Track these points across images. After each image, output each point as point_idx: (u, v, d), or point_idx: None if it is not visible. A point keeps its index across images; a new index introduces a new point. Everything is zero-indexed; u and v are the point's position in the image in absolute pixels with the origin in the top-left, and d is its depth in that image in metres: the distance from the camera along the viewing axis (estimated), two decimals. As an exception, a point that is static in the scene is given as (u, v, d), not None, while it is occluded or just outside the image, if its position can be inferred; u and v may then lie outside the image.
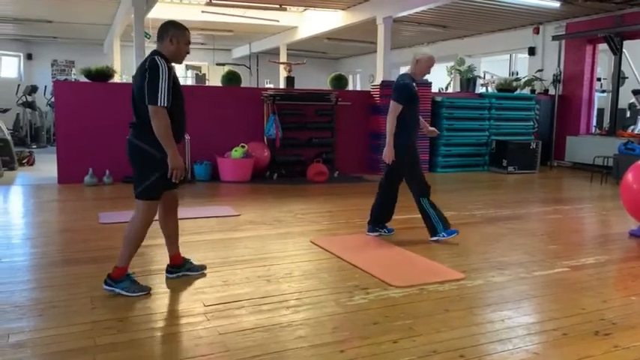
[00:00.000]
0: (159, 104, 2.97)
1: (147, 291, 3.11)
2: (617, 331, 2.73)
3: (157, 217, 3.26)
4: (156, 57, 3.04)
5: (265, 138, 8.18)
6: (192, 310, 2.92)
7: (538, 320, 2.90)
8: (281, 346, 2.50)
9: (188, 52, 3.23)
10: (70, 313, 2.84)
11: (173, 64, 3.18)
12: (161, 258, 3.70)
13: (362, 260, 3.86)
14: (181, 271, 3.42)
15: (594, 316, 2.91)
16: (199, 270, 3.47)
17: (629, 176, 4.84)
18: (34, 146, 12.00)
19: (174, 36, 3.13)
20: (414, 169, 4.52)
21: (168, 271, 3.41)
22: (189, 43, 3.23)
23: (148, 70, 2.99)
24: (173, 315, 2.85)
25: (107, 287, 3.10)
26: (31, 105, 13.00)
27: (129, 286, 3.09)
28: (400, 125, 4.49)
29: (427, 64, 4.60)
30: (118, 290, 3.06)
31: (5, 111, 12.17)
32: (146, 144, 3.08)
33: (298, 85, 9.51)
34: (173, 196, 3.34)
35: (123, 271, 3.12)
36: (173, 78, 3.08)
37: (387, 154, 4.46)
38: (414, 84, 4.55)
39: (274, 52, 13.98)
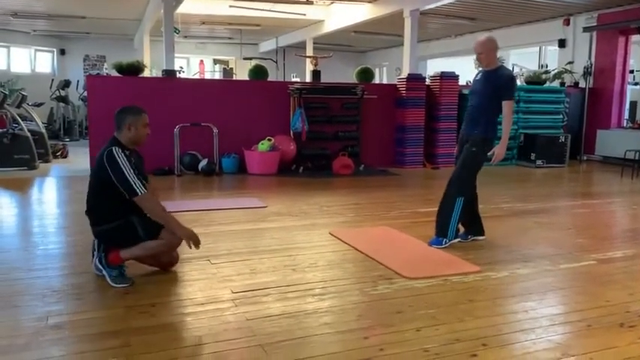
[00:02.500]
0: (139, 193, 3.06)
1: (129, 283, 3.10)
2: (643, 323, 2.72)
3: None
4: (112, 149, 3.10)
5: (291, 131, 8.26)
6: (220, 297, 3.01)
7: (562, 312, 2.90)
8: (306, 332, 2.57)
9: (148, 133, 3.28)
10: (105, 298, 2.97)
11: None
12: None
13: (379, 252, 3.90)
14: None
15: (619, 309, 2.91)
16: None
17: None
18: (67, 139, 12.32)
19: (132, 122, 3.19)
20: (476, 167, 4.15)
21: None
22: (146, 125, 3.26)
23: (109, 167, 3.05)
24: (202, 301, 2.95)
25: (97, 267, 3.14)
26: (64, 99, 13.34)
27: (117, 275, 3.11)
28: (493, 119, 4.07)
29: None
30: (105, 274, 3.10)
31: (40, 105, 12.50)
32: (105, 224, 3.19)
33: (324, 78, 9.55)
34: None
35: (120, 261, 3.17)
36: (135, 163, 3.16)
37: (502, 153, 4.03)
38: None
39: (301, 46, 14.04)
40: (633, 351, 2.41)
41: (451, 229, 4.08)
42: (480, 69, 4.31)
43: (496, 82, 4.02)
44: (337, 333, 2.57)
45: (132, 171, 3.07)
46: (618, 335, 2.58)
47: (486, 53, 4.06)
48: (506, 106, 3.99)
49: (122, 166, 3.05)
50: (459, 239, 4.16)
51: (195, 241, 3.19)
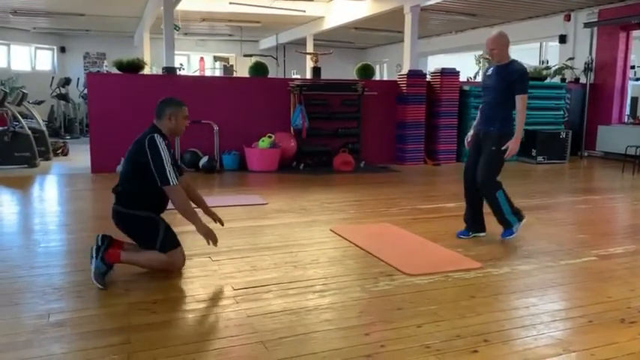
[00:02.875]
0: (172, 183, 3.11)
1: (103, 287, 3.02)
2: (644, 319, 2.72)
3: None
4: (155, 135, 3.15)
5: (292, 128, 8.25)
6: (221, 294, 3.01)
7: (563, 308, 2.90)
8: (307, 328, 2.57)
9: (187, 125, 3.34)
10: (106, 295, 2.97)
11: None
12: (191, 244, 3.81)
13: (380, 249, 3.90)
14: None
15: (621, 305, 2.90)
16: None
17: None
18: (68, 137, 12.32)
19: (172, 113, 3.24)
20: (500, 164, 4.14)
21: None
22: (186, 117, 3.33)
23: (149, 151, 3.09)
24: (204, 298, 2.95)
25: (92, 255, 3.08)
26: (64, 97, 13.34)
27: (102, 273, 3.05)
28: (509, 115, 4.08)
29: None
30: (92, 266, 3.05)
31: (40, 103, 12.51)
32: (136, 210, 3.19)
33: (325, 75, 9.54)
34: None
35: (117, 260, 3.14)
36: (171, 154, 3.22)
37: (515, 148, 4.01)
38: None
39: (301, 43, 14.02)
40: (634, 347, 2.41)
41: (510, 217, 4.13)
42: (491, 65, 4.26)
43: (509, 77, 4.01)
44: (338, 329, 2.57)
45: (169, 160, 3.12)
46: (619, 331, 2.58)
47: (499, 49, 4.04)
48: (520, 100, 3.97)
49: (162, 153, 3.10)
50: (521, 222, 4.18)
51: (213, 239, 3.27)
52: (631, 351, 2.37)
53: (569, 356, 2.32)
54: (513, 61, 4.09)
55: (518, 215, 4.20)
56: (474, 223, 4.30)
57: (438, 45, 14.85)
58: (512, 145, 3.98)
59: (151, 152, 3.09)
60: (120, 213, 3.24)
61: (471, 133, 4.33)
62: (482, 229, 4.31)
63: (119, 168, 7.34)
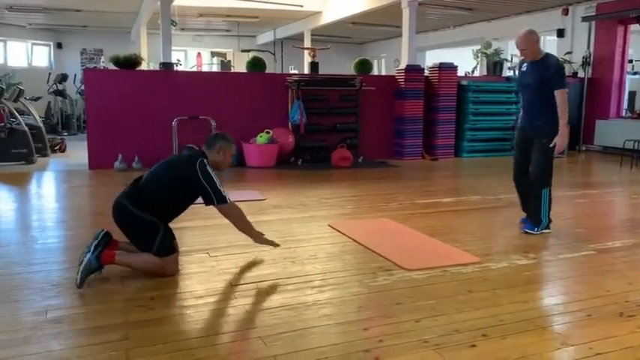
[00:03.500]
0: (228, 201, 3.27)
1: (78, 286, 2.97)
2: (642, 312, 2.72)
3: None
4: (205, 160, 3.24)
5: (290, 124, 8.23)
6: (220, 290, 3.01)
7: (562, 302, 2.91)
8: (306, 323, 2.57)
9: (230, 164, 3.53)
10: (104, 292, 2.96)
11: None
12: (189, 240, 3.81)
13: (379, 244, 3.90)
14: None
15: (619, 298, 2.91)
16: None
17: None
18: (65, 133, 12.29)
19: (222, 148, 3.37)
20: (551, 157, 4.18)
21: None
22: (233, 155, 3.50)
23: (200, 173, 3.18)
24: (202, 294, 2.94)
25: (89, 250, 3.05)
26: (61, 93, 13.30)
27: (89, 271, 3.02)
28: (554, 108, 4.03)
29: None
30: (85, 259, 3.01)
31: (37, 99, 12.45)
32: (146, 213, 3.17)
33: (322, 70, 9.51)
34: None
35: (111, 261, 3.11)
36: None
37: (562, 143, 4.04)
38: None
39: (298, 38, 13.98)
40: (633, 340, 2.41)
41: (543, 217, 4.17)
42: (524, 61, 4.22)
43: (545, 72, 4.01)
44: (337, 324, 2.57)
45: (220, 182, 3.26)
46: (618, 325, 2.58)
47: (531, 47, 4.05)
48: (559, 95, 3.97)
49: (213, 176, 3.23)
50: (550, 230, 4.22)
51: (273, 243, 3.49)
52: (629, 344, 2.37)
53: (567, 350, 2.32)
54: (547, 55, 4.09)
55: (549, 222, 4.23)
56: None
57: (435, 40, 14.82)
58: (560, 141, 3.99)
59: (202, 175, 3.18)
60: (126, 209, 3.19)
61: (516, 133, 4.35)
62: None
63: (117, 165, 7.36)
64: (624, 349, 2.32)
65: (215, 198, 3.21)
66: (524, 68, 4.21)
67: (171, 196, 3.26)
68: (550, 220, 4.23)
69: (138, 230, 3.21)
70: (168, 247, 3.19)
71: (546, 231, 4.22)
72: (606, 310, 2.76)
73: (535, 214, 4.21)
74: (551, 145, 4.00)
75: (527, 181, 4.30)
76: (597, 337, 2.43)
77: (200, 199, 3.29)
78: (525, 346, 2.34)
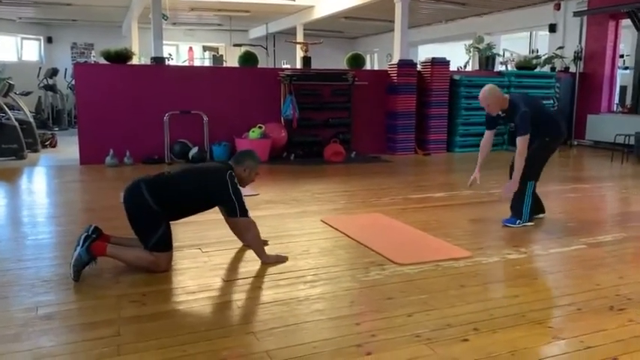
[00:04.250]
0: (249, 216, 3.32)
1: (74, 279, 2.98)
2: (632, 306, 2.74)
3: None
4: (233, 173, 3.31)
5: (282, 118, 8.22)
6: (211, 285, 3.00)
7: (552, 296, 2.93)
8: (298, 318, 2.57)
9: (254, 181, 3.57)
10: (96, 288, 2.95)
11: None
12: (181, 236, 3.80)
13: (371, 239, 3.90)
14: None
15: (609, 292, 2.93)
16: None
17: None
18: (56, 128, 12.20)
19: (249, 167, 3.44)
20: (541, 159, 4.37)
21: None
22: (257, 174, 3.56)
23: (230, 185, 3.24)
24: (194, 289, 2.94)
25: (79, 243, 3.04)
26: (52, 88, 13.19)
27: (82, 264, 3.01)
28: (542, 129, 4.24)
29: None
30: (75, 253, 3.00)
31: (27, 94, 12.35)
32: (158, 206, 3.16)
33: (315, 65, 9.49)
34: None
35: (102, 253, 3.10)
36: None
37: (510, 189, 4.17)
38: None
39: (291, 32, 13.93)
40: (623, 333, 2.43)
41: (525, 210, 4.25)
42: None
43: (513, 120, 4.16)
44: (329, 319, 2.57)
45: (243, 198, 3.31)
46: (608, 318, 2.60)
47: (493, 103, 4.18)
48: (520, 141, 4.09)
49: (239, 190, 3.30)
50: (532, 223, 4.31)
51: (284, 260, 3.42)
52: (620, 338, 2.39)
53: (558, 344, 2.34)
54: (512, 104, 4.15)
55: (531, 217, 4.31)
56: (535, 206, 4.43)
57: (428, 34, 14.82)
58: (510, 185, 4.09)
59: (232, 187, 3.25)
60: (142, 195, 3.16)
61: None
62: (541, 210, 4.52)
63: (108, 160, 7.32)
64: (615, 343, 2.34)
65: (239, 211, 3.26)
66: (494, 115, 4.34)
67: (191, 201, 3.31)
68: (531, 213, 4.29)
69: (143, 219, 3.19)
70: (165, 243, 3.19)
71: (528, 224, 4.28)
72: (597, 303, 2.78)
73: (517, 207, 4.28)
74: (505, 194, 4.11)
75: None
76: (588, 331, 2.45)
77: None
78: (516, 340, 2.36)
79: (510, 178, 4.30)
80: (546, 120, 4.29)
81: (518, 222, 4.27)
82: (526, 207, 4.27)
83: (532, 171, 4.28)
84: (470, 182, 4.45)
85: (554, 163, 8.22)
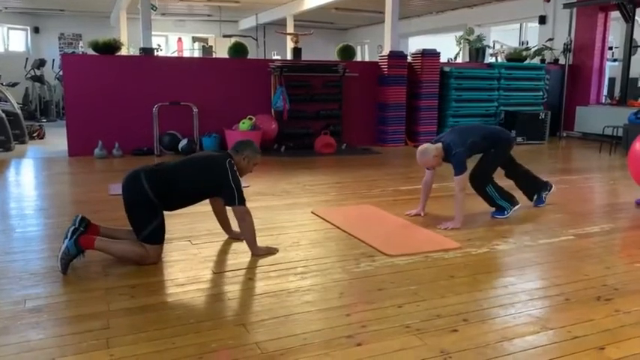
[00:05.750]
0: (245, 205, 3.30)
1: (62, 272, 2.97)
2: (619, 296, 2.77)
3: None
4: (233, 161, 3.32)
5: (273, 110, 8.19)
6: (201, 277, 3.00)
7: (541, 286, 2.95)
8: (288, 310, 2.57)
9: (251, 171, 3.56)
10: (84, 280, 2.93)
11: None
12: (170, 228, 3.77)
13: (362, 230, 3.91)
14: None
15: (597, 282, 2.96)
16: None
17: (637, 145, 4.82)
18: (44, 120, 12.09)
19: (249, 156, 3.45)
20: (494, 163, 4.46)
21: None
22: (256, 164, 3.57)
23: (230, 172, 3.25)
24: (183, 282, 2.93)
25: (67, 236, 3.02)
26: (39, 79, 13.04)
27: (70, 258, 3.00)
28: (483, 145, 4.35)
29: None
30: (63, 246, 2.98)
31: (14, 85, 12.22)
32: (157, 197, 3.15)
33: (305, 56, 9.45)
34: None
35: (90, 246, 3.07)
36: None
37: (453, 226, 4.07)
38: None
39: (281, 23, 13.86)
40: (609, 323, 2.46)
41: (501, 202, 4.37)
42: None
43: (450, 162, 4.16)
44: (319, 311, 2.57)
45: (242, 187, 3.31)
46: (595, 308, 2.62)
47: (430, 161, 4.17)
48: (457, 182, 4.12)
49: (239, 179, 3.31)
50: (518, 205, 4.44)
51: (274, 251, 3.42)
52: (606, 327, 2.41)
53: (546, 334, 2.36)
54: (446, 148, 4.13)
55: (511, 200, 4.40)
56: (532, 188, 4.72)
57: (418, 26, 14.81)
58: (451, 225, 4.03)
59: (232, 174, 3.26)
60: (141, 185, 3.14)
61: None
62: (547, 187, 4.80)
63: (97, 152, 7.26)
64: (601, 332, 2.37)
65: (238, 200, 3.25)
66: (438, 167, 4.35)
67: (190, 189, 3.29)
68: (507, 198, 4.39)
69: (139, 208, 3.17)
70: (158, 236, 3.18)
71: (515, 208, 4.40)
72: (584, 294, 2.80)
73: (493, 204, 4.39)
74: (442, 227, 4.04)
75: (513, 172, 4.68)
76: (575, 321, 2.47)
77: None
78: (505, 331, 2.37)
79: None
80: (490, 140, 4.33)
81: (505, 212, 4.35)
82: (497, 200, 4.36)
83: (486, 179, 4.37)
84: (411, 214, 4.41)
85: (544, 154, 8.28)
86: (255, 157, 3.49)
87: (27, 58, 13.66)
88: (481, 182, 4.37)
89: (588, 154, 8.27)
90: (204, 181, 3.29)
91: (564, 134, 10.27)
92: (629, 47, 9.38)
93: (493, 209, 4.42)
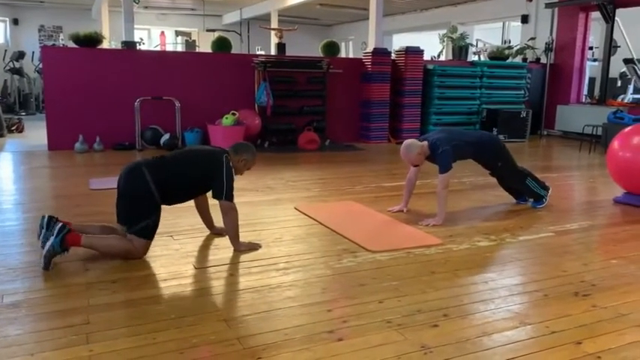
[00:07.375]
0: (233, 202, 3.30)
1: (44, 269, 2.92)
2: (596, 292, 2.82)
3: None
4: (229, 157, 3.35)
5: (256, 105, 8.16)
6: (183, 273, 2.98)
7: (520, 282, 2.99)
8: (270, 305, 2.57)
9: (242, 174, 3.60)
10: (64, 275, 2.90)
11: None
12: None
13: (344, 226, 3.92)
14: None
15: (575, 279, 3.00)
16: None
17: (615, 144, 4.90)
18: (23, 113, 11.90)
19: (246, 160, 3.50)
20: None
21: None
22: (251, 168, 3.61)
23: (225, 166, 3.27)
24: (165, 277, 2.91)
25: (53, 233, 2.96)
26: (18, 71, 12.83)
27: (54, 254, 2.95)
28: (471, 139, 4.47)
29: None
30: (49, 243, 2.92)
31: (-8, 77, 12.01)
32: (158, 191, 3.15)
33: (290, 52, 9.44)
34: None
35: (77, 244, 3.03)
36: None
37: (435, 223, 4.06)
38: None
39: (265, 18, 13.81)
40: (587, 318, 2.50)
41: (539, 192, 4.65)
42: None
43: (435, 161, 4.20)
44: (301, 306, 2.58)
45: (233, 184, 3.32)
46: (573, 304, 2.67)
47: (414, 158, 4.18)
48: (440, 181, 4.16)
49: (232, 175, 3.33)
50: (549, 190, 4.74)
51: (256, 247, 3.42)
52: (583, 322, 2.45)
53: (525, 329, 2.39)
54: (431, 146, 4.15)
55: (545, 187, 4.71)
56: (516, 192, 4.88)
57: (402, 23, 14.86)
58: (433, 222, 4.04)
59: (226, 168, 3.28)
60: (143, 178, 3.12)
61: None
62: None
63: (78, 146, 7.17)
64: (579, 327, 2.41)
65: (225, 194, 3.26)
66: (420, 165, 4.38)
67: (188, 182, 3.31)
68: (543, 187, 4.68)
69: (139, 201, 3.14)
70: (151, 232, 3.17)
71: (550, 193, 4.73)
72: (562, 289, 2.85)
73: (534, 195, 4.67)
74: (424, 224, 4.05)
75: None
76: (553, 316, 2.51)
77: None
78: (485, 326, 2.40)
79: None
80: (475, 147, 4.38)
81: (543, 200, 4.66)
82: (537, 189, 4.62)
83: (520, 174, 4.61)
84: (394, 210, 4.42)
85: (524, 152, 8.37)
86: (252, 161, 3.54)
87: (6, 50, 13.43)
88: (519, 180, 4.61)
89: (568, 152, 8.38)
90: (200, 172, 3.31)
91: (545, 132, 10.40)
92: (609, 47, 9.51)
93: (478, 204, 4.47)
